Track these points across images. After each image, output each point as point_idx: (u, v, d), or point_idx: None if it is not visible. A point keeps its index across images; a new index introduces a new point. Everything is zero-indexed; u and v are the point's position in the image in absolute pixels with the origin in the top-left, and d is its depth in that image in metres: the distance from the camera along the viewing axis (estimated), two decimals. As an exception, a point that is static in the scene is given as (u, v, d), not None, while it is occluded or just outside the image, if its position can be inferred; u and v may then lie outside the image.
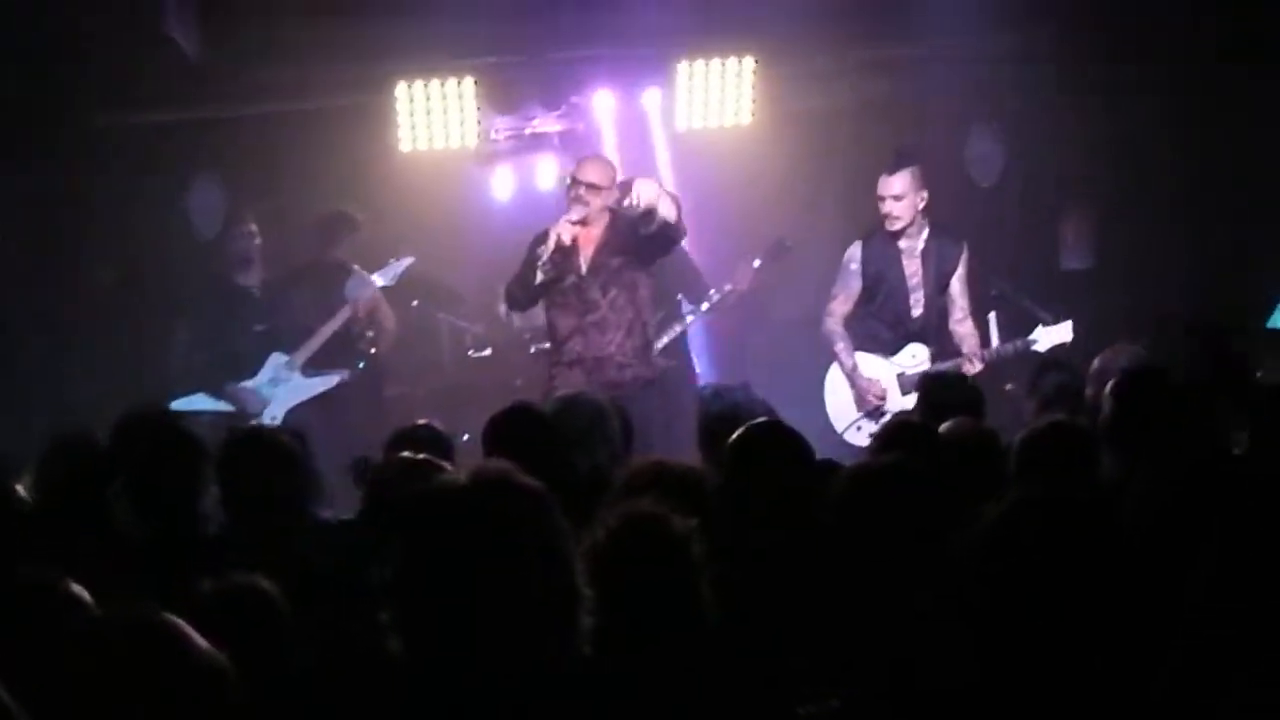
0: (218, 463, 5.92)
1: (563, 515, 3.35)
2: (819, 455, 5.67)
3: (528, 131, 12.65)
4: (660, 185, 9.60)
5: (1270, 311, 10.87)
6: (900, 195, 9.81)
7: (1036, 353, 9.92)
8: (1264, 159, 11.89)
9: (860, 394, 9.86)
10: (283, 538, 5.60)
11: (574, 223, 9.48)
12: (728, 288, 11.53)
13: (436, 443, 6.39)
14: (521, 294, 9.85)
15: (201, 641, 3.32)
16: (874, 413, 9.70)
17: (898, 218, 9.85)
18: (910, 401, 9.38)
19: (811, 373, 10.68)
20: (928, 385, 8.18)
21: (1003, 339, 10.38)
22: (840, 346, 9.95)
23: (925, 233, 9.95)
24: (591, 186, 9.57)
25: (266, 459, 5.85)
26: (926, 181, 9.94)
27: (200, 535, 5.83)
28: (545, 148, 12.66)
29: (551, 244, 9.42)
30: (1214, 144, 12.16)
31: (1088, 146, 12.68)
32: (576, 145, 12.27)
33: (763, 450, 5.21)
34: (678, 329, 11.38)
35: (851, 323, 10.00)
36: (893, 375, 9.86)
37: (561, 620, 3.25)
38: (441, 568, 3.22)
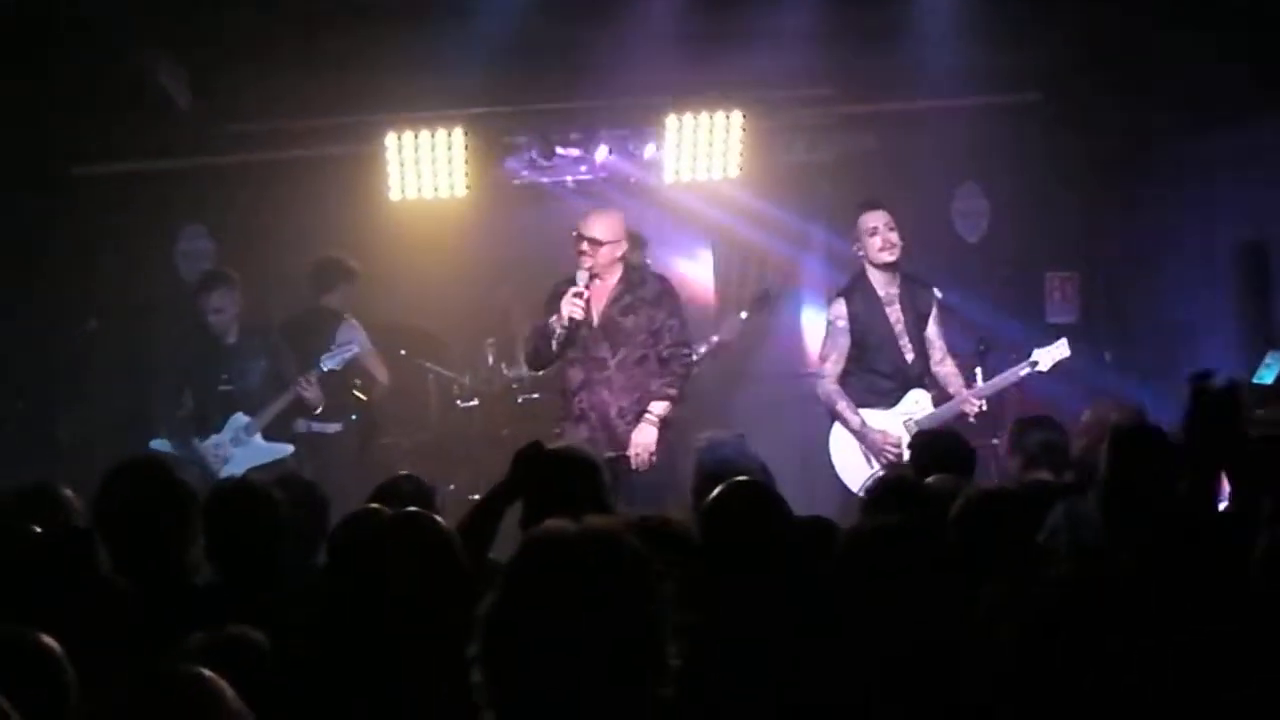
0: (204, 513, 5.90)
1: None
2: (820, 510, 5.64)
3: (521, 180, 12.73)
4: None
5: (1257, 367, 10.92)
6: (892, 226, 9.89)
7: (1041, 373, 9.97)
8: (1247, 217, 11.94)
9: (875, 448, 9.75)
10: (269, 588, 5.59)
11: (580, 294, 9.46)
12: (715, 339, 11.59)
13: (419, 495, 6.36)
14: (536, 360, 9.98)
15: (237, 699, 3.37)
16: (892, 465, 9.59)
17: (896, 244, 9.91)
18: None
19: (799, 426, 10.69)
20: (919, 444, 8.18)
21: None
22: (842, 405, 9.87)
23: (898, 279, 10.03)
24: (593, 241, 9.54)
25: (252, 510, 5.83)
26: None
27: (188, 585, 5.81)
28: (540, 198, 12.72)
29: (565, 318, 9.46)
30: (1196, 200, 12.23)
31: (1072, 204, 12.78)
32: (574, 196, 12.36)
33: (735, 510, 5.21)
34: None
35: (847, 379, 9.96)
36: (900, 424, 9.82)
37: (642, 687, 3.20)
38: (538, 612, 3.17)
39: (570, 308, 9.45)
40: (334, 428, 11.35)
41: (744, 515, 5.17)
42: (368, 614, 4.72)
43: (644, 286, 9.72)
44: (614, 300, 9.62)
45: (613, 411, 9.53)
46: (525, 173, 12.67)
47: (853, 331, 9.90)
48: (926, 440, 7.99)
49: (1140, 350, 12.65)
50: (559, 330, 9.49)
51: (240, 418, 10.87)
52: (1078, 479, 7.06)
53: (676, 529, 5.06)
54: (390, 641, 4.61)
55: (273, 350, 11.12)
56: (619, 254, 9.70)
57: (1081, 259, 13.22)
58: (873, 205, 9.99)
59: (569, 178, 12.78)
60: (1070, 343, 10.38)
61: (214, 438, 10.83)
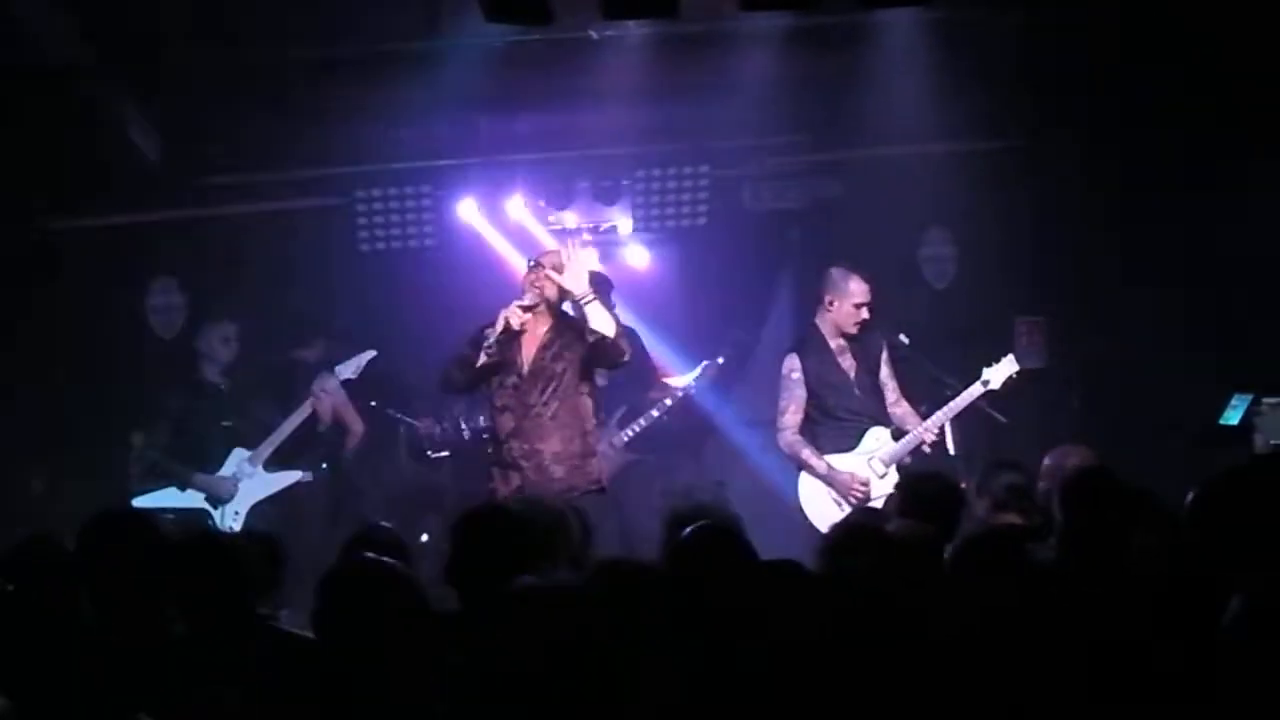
0: (171, 566, 5.89)
1: None
2: (794, 556, 5.74)
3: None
4: (596, 294, 9.46)
5: (1223, 408, 10.99)
6: (869, 300, 10.00)
7: (993, 391, 10.02)
8: (1207, 256, 12.03)
9: (843, 490, 9.81)
10: (236, 641, 5.59)
11: (525, 308, 9.35)
12: (691, 384, 11.56)
13: (392, 544, 6.40)
14: (460, 375, 9.63)
15: None
16: (861, 505, 9.65)
17: (866, 320, 10.05)
18: (890, 483, 9.60)
19: (772, 473, 10.74)
20: (904, 484, 8.19)
21: (957, 437, 10.45)
22: (806, 453, 9.95)
23: None
24: (552, 273, 9.42)
25: (215, 563, 5.81)
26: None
27: (165, 637, 5.81)
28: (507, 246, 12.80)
29: (499, 327, 9.29)
30: (1161, 247, 12.31)
31: (1038, 249, 12.85)
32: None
33: (698, 556, 5.28)
34: (642, 423, 11.41)
35: (811, 428, 10.02)
36: (865, 463, 9.90)
37: None
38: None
39: (509, 313, 9.29)
40: (300, 474, 11.31)
41: (707, 559, 5.24)
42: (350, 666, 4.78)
43: (572, 331, 9.52)
44: (544, 346, 9.48)
45: (547, 458, 9.37)
46: (494, 223, 12.73)
47: (807, 383, 9.99)
48: (912, 482, 8.00)
49: (1108, 394, 12.71)
50: (492, 340, 9.31)
51: (241, 452, 10.93)
52: (1041, 523, 7.13)
53: (648, 574, 5.13)
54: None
55: (261, 393, 11.22)
56: (563, 296, 9.54)
57: (1050, 304, 13.28)
58: (863, 274, 10.03)
59: (538, 228, 12.85)
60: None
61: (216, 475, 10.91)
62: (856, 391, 10.02)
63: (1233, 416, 10.84)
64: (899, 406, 10.15)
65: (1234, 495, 4.55)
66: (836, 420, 10.01)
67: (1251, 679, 4.22)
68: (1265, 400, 10.62)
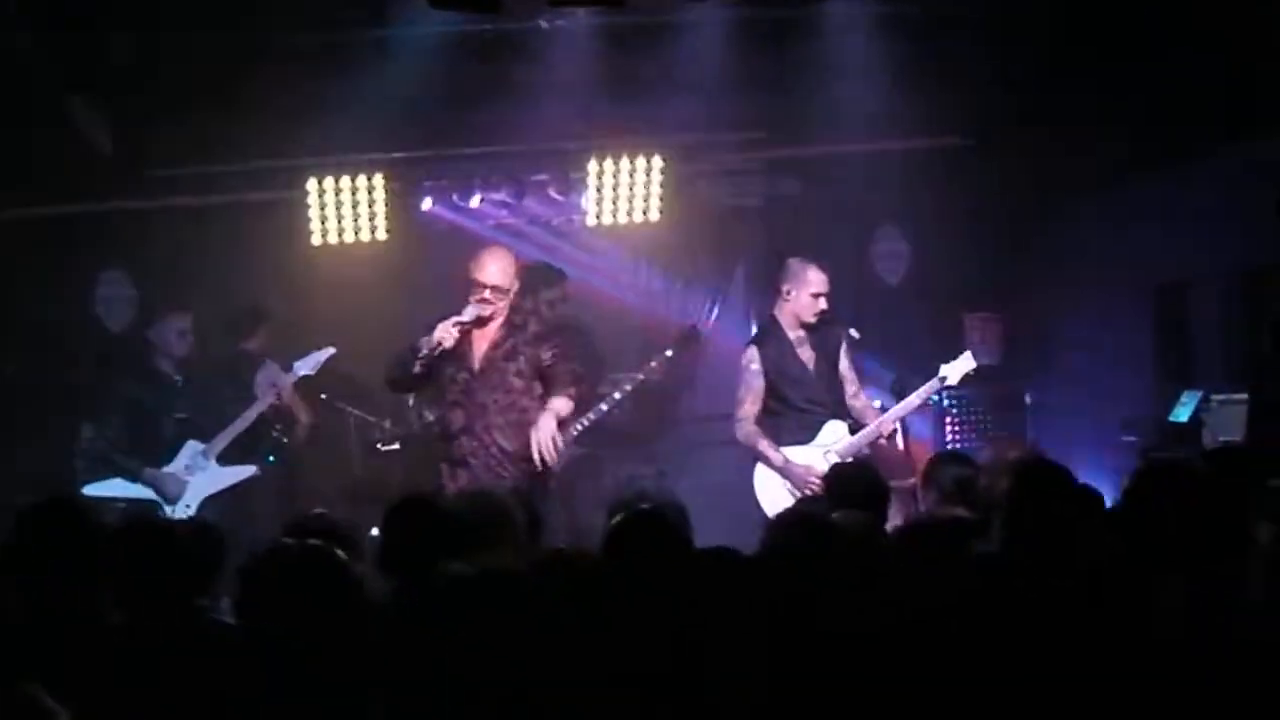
0: (108, 553, 5.83)
1: None
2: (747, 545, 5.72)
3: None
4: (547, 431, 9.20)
5: (1173, 405, 11.03)
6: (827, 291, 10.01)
7: (951, 387, 10.04)
8: (1164, 260, 12.06)
9: (798, 482, 9.82)
10: (171, 630, 5.53)
11: (461, 325, 9.28)
12: (639, 377, 11.47)
13: (329, 532, 6.33)
14: (398, 374, 9.62)
15: None
16: (816, 498, 9.63)
17: (824, 310, 10.07)
18: None
19: (723, 466, 10.73)
20: (833, 476, 8.22)
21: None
22: (763, 445, 9.96)
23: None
24: (495, 289, 9.36)
25: (152, 550, 5.75)
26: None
27: (99, 626, 5.75)
28: (462, 241, 12.73)
29: (435, 341, 9.24)
30: (1116, 246, 12.35)
31: (992, 247, 12.88)
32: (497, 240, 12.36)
33: (629, 540, 5.28)
34: (592, 417, 11.35)
35: (769, 420, 10.02)
36: (821, 457, 9.90)
37: None
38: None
39: (443, 333, 9.23)
40: (255, 469, 11.26)
41: (637, 543, 5.23)
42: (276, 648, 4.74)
43: (524, 330, 9.49)
44: (496, 344, 9.44)
45: (496, 455, 9.33)
46: (448, 216, 12.69)
47: (766, 374, 10.01)
48: (840, 473, 8.05)
49: (1061, 391, 12.74)
50: (424, 351, 9.27)
51: (194, 445, 10.87)
52: (983, 515, 7.11)
53: (586, 562, 5.12)
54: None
55: (214, 386, 11.17)
56: (511, 299, 9.50)
57: (1002, 301, 13.31)
58: (821, 264, 10.06)
59: (491, 221, 12.81)
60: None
61: (168, 467, 10.83)
62: (815, 381, 10.04)
63: (1182, 413, 10.88)
64: (858, 400, 10.17)
65: (1161, 486, 4.56)
66: (797, 411, 10.03)
67: (1189, 664, 4.23)
68: (1214, 397, 10.67)
